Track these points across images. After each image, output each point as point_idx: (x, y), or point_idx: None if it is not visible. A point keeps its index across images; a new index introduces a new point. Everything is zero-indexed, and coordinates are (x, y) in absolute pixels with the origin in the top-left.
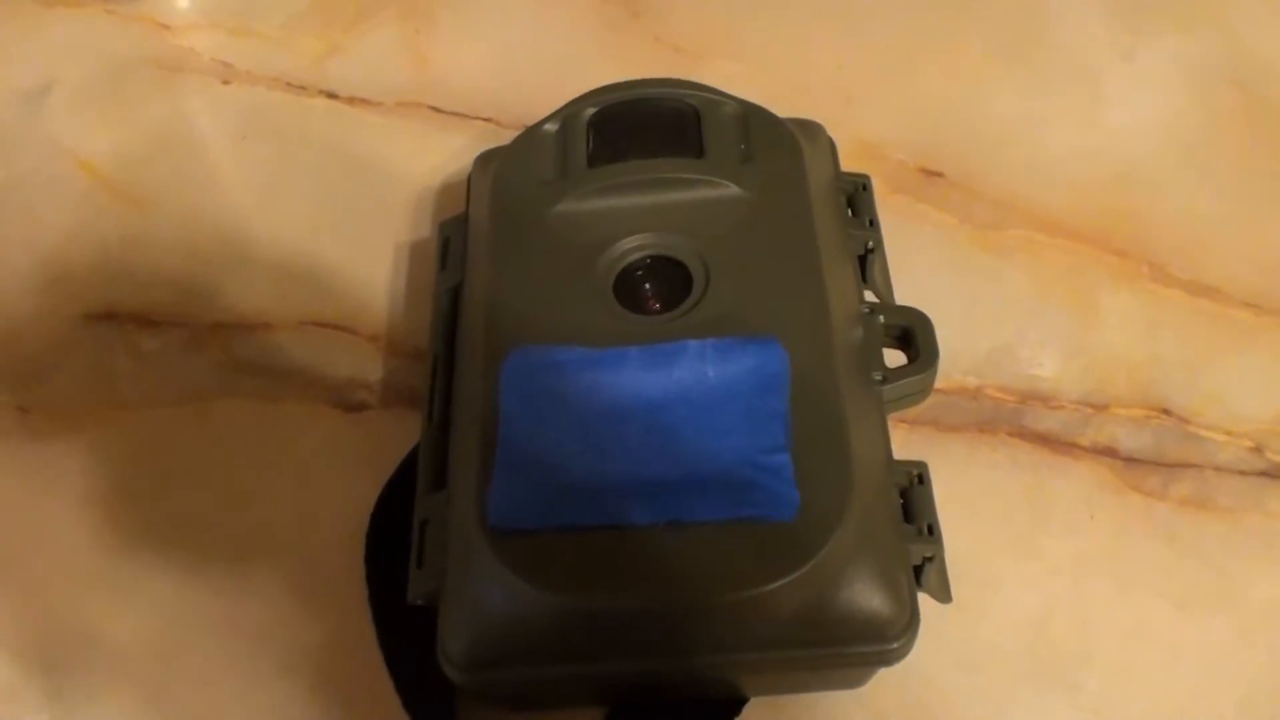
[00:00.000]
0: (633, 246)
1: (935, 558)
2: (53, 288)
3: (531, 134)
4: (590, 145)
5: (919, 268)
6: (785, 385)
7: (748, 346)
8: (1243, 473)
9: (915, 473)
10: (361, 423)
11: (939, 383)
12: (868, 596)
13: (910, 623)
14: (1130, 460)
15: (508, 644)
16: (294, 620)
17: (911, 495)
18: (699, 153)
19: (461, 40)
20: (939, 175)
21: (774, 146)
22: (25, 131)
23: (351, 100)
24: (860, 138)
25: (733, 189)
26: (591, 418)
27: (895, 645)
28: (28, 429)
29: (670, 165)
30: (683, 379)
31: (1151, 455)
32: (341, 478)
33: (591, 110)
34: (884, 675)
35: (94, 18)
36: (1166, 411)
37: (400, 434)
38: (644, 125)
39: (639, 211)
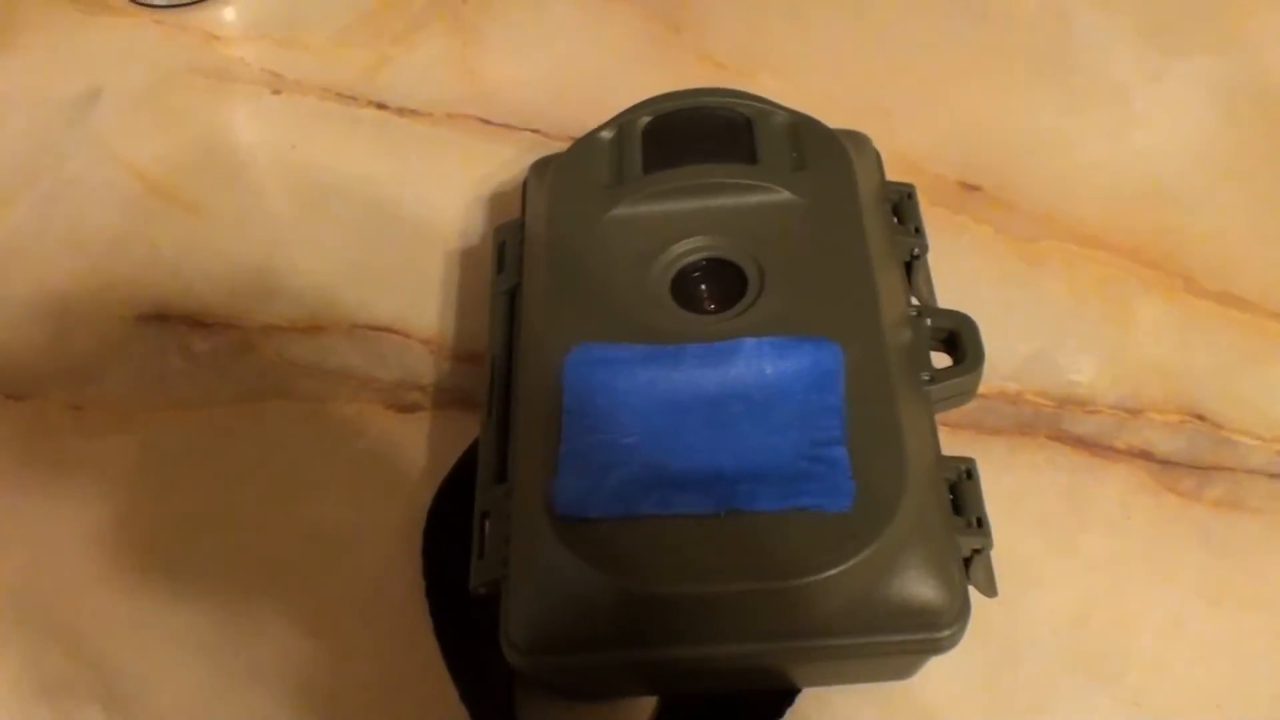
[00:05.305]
0: (689, 249)
1: (984, 550)
2: (104, 289)
3: (587, 141)
4: (645, 152)
5: (959, 277)
6: (840, 382)
7: (804, 344)
8: (1274, 475)
9: (964, 468)
10: (414, 423)
11: (980, 387)
12: (921, 585)
13: (961, 611)
14: (1165, 463)
15: (571, 628)
16: (347, 615)
17: (960, 489)
18: (752, 159)
19: (509, 54)
20: (977, 189)
21: (824, 154)
22: (72, 137)
23: (401, 111)
24: (900, 152)
25: (785, 195)
26: (652, 411)
27: (947, 633)
28: (81, 427)
29: (724, 171)
30: (741, 375)
31: (1186, 458)
32: (394, 477)
33: (646, 118)
34: (931, 668)
35: (141, 27)
36: (1200, 417)
37: (453, 435)
38: (698, 133)
39: (694, 215)
